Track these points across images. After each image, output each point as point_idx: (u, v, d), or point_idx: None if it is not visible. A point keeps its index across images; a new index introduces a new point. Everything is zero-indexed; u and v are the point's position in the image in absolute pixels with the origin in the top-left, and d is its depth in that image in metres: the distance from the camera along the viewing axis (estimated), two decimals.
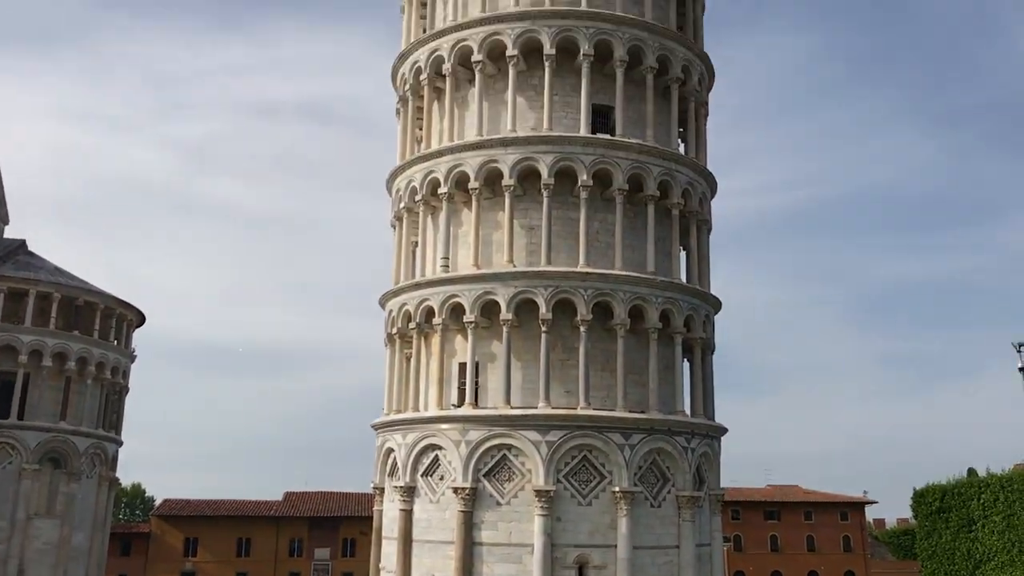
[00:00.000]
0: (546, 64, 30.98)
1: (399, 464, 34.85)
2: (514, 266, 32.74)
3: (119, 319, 57.70)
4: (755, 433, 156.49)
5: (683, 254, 35.58)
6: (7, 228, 60.76)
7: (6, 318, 52.03)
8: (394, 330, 36.54)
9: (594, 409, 32.58)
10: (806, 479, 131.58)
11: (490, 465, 32.85)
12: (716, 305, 36.48)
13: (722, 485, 37.34)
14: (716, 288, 37.21)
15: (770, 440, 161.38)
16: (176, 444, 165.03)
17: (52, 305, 53.07)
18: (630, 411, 32.89)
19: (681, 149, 34.43)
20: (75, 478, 53.13)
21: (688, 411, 35.07)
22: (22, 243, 58.61)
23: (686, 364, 35.97)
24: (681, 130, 34.70)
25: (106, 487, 56.69)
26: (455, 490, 32.74)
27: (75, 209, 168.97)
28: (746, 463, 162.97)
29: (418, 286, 35.10)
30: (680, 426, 33.81)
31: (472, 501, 32.44)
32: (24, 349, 51.71)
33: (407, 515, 34.37)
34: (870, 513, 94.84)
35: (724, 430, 36.81)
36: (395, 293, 36.03)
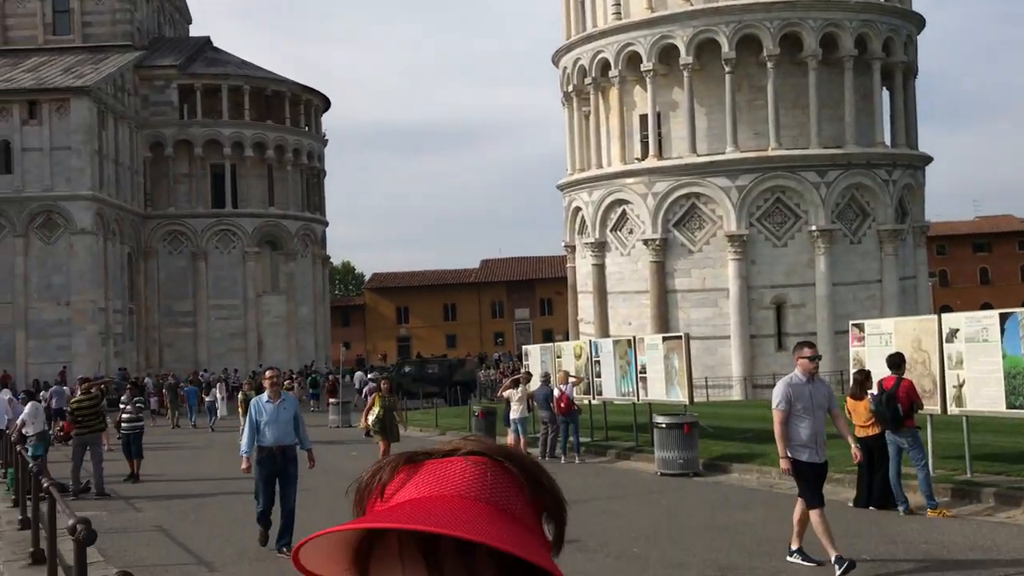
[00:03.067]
0: None
1: (588, 221, 34.97)
2: (691, 4, 31.23)
3: (306, 105, 59.82)
4: (964, 164, 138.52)
5: None
6: (191, 27, 66.64)
7: (205, 114, 54.17)
8: (570, 88, 36.06)
9: (786, 149, 32.04)
10: (1021, 209, 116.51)
11: (679, 215, 32.77)
12: (919, 24, 34.73)
13: (927, 219, 36.40)
14: (919, 4, 35.44)
15: (981, 170, 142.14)
16: (376, 223, 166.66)
17: (244, 97, 55.28)
18: (825, 147, 32.23)
19: None
20: (291, 258, 57.00)
21: (888, 142, 34.05)
22: (207, 40, 61.16)
23: (885, 92, 34.71)
24: None
25: (319, 264, 61.17)
26: (645, 242, 32.46)
27: (252, 3, 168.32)
28: (953, 196, 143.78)
29: (590, 38, 34.18)
30: (880, 158, 32.89)
31: (663, 251, 32.86)
32: (226, 142, 54.12)
33: (600, 269, 34.82)
34: None
35: (928, 159, 35.41)
36: (568, 48, 35.27)
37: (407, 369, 44.95)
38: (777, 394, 8.23)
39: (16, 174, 46.22)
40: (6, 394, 19.21)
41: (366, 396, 22.68)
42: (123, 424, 17.39)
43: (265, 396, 10.16)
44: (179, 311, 54.11)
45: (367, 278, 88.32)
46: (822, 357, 9.16)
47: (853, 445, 9.17)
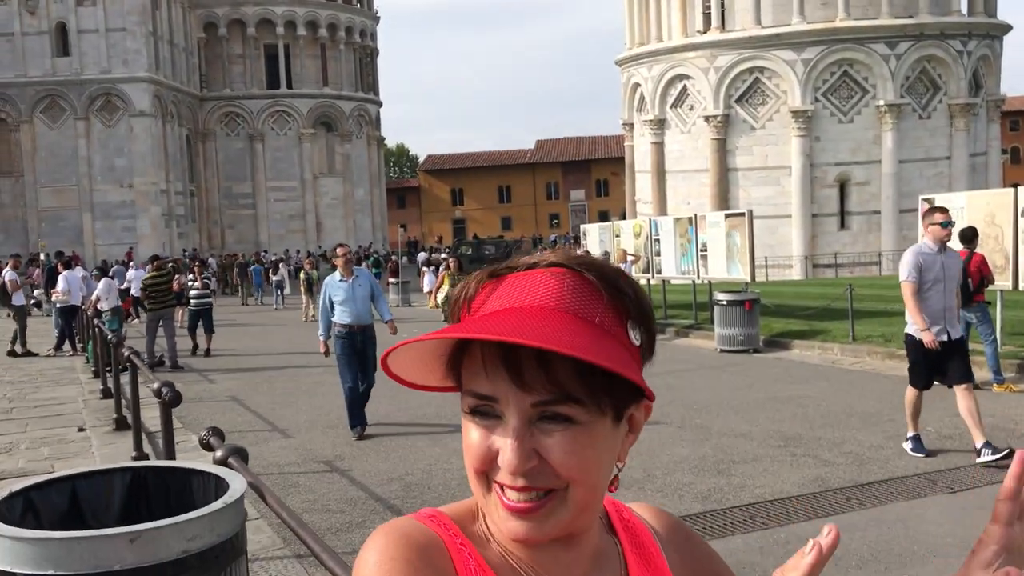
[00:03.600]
0: None
1: (647, 98, 34.74)
2: None
3: None
4: None
5: None
6: None
7: None
8: None
9: (855, 19, 31.42)
10: None
11: (742, 90, 32.50)
12: None
13: (1003, 91, 35.41)
14: None
15: None
16: (430, 104, 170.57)
17: None
18: (896, 17, 31.45)
19: None
20: (346, 139, 57.41)
21: (965, 10, 33.05)
22: None
23: None
24: None
25: (375, 146, 61.39)
26: (706, 119, 32.54)
27: None
28: None
29: None
30: (954, 28, 31.99)
31: (724, 128, 32.46)
32: (279, 21, 54.37)
33: (658, 148, 34.82)
34: None
35: (1007, 28, 34.34)
36: None
37: (464, 250, 45.24)
38: (905, 264, 7.41)
39: (74, 56, 46.48)
40: (79, 271, 19.78)
41: (436, 271, 22.65)
42: (192, 301, 17.85)
43: (338, 275, 9.50)
44: (238, 193, 54.93)
45: (421, 160, 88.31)
46: (955, 223, 8.37)
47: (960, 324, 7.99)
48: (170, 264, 19.79)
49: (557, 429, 0.85)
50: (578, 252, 0.94)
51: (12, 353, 17.46)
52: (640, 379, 0.88)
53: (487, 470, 0.87)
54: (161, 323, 15.70)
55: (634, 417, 0.94)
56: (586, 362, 0.82)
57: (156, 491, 3.25)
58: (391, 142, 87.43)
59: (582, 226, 27.31)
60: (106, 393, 11.89)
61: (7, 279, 18.67)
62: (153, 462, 4.63)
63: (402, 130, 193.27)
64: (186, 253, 46.50)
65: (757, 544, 5.63)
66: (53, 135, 46.69)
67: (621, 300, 0.89)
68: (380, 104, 62.50)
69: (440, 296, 15.49)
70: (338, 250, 9.93)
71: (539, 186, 78.05)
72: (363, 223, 58.75)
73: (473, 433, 0.88)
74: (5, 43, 46.20)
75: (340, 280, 9.48)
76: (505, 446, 0.85)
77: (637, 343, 0.90)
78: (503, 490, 0.87)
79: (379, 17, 62.55)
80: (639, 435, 0.96)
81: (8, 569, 2.61)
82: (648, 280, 20.27)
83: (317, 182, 56.05)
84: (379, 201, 62.27)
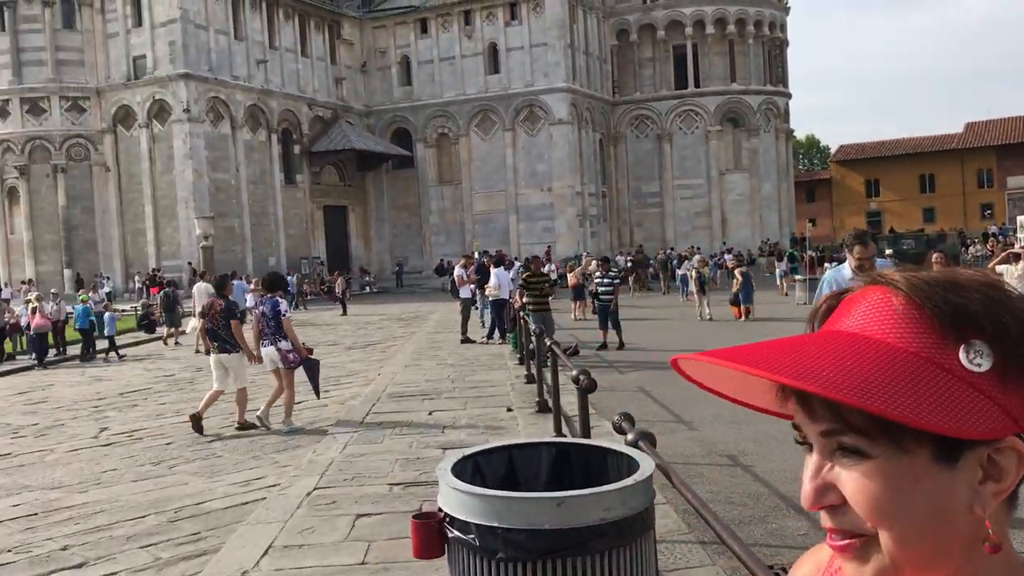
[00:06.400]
0: None
1: None
2: None
3: None
4: None
5: None
6: None
7: None
8: None
9: None
10: None
11: None
12: None
13: None
14: None
15: None
16: (843, 92, 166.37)
17: None
18: None
19: None
20: (753, 134, 56.91)
21: None
22: None
23: None
24: None
25: (783, 139, 60.01)
26: None
27: None
28: None
29: None
30: None
31: None
32: (687, 21, 55.36)
33: None
34: None
35: None
36: None
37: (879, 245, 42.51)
38: None
39: (502, 73, 51.39)
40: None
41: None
42: (600, 296, 18.98)
43: (847, 270, 6.35)
44: (646, 192, 56.81)
45: (832, 151, 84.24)
46: None
47: None
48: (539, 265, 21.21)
49: (850, 463, 0.75)
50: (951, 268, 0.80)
51: (466, 340, 19.82)
52: (946, 421, 0.68)
53: None
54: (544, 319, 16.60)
55: (994, 460, 0.72)
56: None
57: (577, 465, 3.72)
58: (800, 133, 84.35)
59: (1019, 217, 24.50)
60: (530, 379, 13.05)
61: (456, 275, 21.73)
62: (576, 439, 5.17)
63: (812, 121, 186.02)
64: (621, 252, 48.85)
65: None
66: (485, 146, 52.05)
67: (951, 315, 0.72)
68: (789, 96, 60.80)
69: None
70: (853, 231, 6.94)
71: (968, 173, 70.79)
72: (769, 219, 57.69)
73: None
74: (448, 66, 52.40)
75: (852, 279, 6.61)
76: (805, 477, 0.79)
77: (979, 368, 0.71)
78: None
79: (789, 8, 60.78)
80: (1011, 486, 0.72)
81: (463, 518, 3.20)
82: None
83: (723, 178, 56.13)
84: (786, 196, 60.69)
